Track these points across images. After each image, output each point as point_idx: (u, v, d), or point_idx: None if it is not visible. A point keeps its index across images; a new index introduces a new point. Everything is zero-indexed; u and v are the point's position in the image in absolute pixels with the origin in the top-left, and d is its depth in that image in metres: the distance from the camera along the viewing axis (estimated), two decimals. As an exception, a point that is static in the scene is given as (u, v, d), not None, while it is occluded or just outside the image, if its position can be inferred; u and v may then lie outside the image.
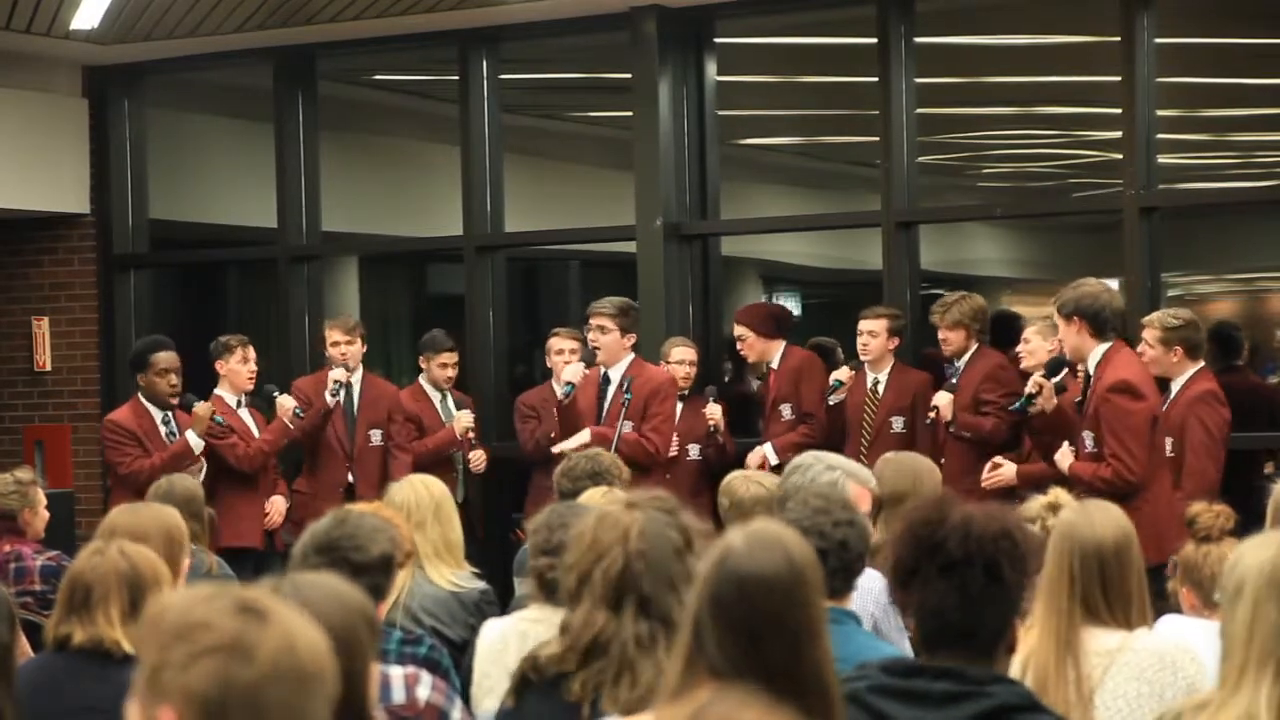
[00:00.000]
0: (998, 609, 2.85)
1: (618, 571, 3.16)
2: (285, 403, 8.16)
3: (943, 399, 7.46)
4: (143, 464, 7.77)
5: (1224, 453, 6.77)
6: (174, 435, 7.98)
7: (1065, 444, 6.77)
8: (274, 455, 8.30)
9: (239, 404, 8.23)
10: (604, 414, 7.72)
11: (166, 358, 7.98)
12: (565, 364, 8.15)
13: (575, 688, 3.20)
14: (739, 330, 8.16)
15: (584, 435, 7.58)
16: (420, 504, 5.01)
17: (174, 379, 7.98)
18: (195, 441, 7.87)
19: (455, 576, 5.05)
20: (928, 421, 7.51)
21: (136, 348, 8.30)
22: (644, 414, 7.64)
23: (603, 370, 7.80)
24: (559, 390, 8.21)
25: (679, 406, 7.95)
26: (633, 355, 7.83)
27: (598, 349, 7.77)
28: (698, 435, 8.12)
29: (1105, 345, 6.66)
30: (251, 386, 8.26)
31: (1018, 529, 2.88)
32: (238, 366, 8.18)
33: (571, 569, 3.26)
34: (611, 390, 7.75)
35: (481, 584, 5.11)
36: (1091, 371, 6.69)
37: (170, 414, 8.03)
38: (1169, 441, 6.73)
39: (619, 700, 3.15)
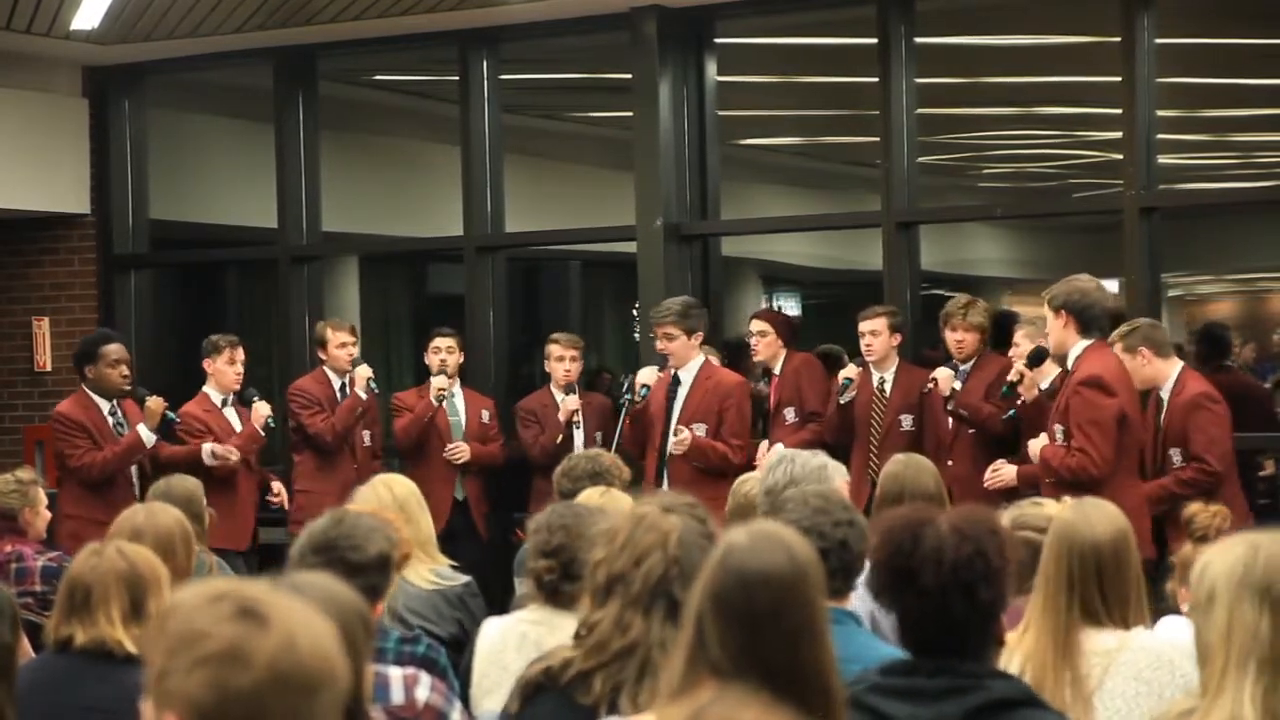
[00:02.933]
0: (978, 620, 2.87)
1: (658, 577, 3.10)
2: (260, 409, 8.20)
3: (943, 373, 7.52)
4: (94, 456, 7.76)
5: (1231, 446, 6.81)
6: (121, 427, 7.93)
7: (1043, 434, 6.78)
8: (248, 457, 8.20)
9: (224, 403, 8.30)
10: (673, 416, 7.74)
11: (117, 349, 7.98)
12: (566, 372, 8.23)
13: (596, 686, 3.16)
14: (762, 325, 8.17)
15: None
16: (384, 505, 4.89)
17: (125, 370, 7.96)
18: (148, 435, 7.86)
19: (433, 573, 5.01)
20: (924, 390, 7.57)
21: (85, 341, 8.25)
22: (720, 417, 7.71)
23: (674, 372, 7.84)
24: (558, 396, 8.24)
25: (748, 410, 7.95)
26: (704, 357, 7.89)
27: (668, 354, 7.82)
28: None
29: (1087, 342, 6.65)
30: (237, 387, 8.30)
31: (993, 543, 2.87)
32: (224, 367, 8.26)
33: (601, 565, 3.18)
34: (682, 392, 7.80)
35: (463, 577, 5.09)
36: (1070, 366, 6.69)
37: (116, 405, 7.98)
38: (1176, 454, 6.74)
39: (638, 701, 3.10)
